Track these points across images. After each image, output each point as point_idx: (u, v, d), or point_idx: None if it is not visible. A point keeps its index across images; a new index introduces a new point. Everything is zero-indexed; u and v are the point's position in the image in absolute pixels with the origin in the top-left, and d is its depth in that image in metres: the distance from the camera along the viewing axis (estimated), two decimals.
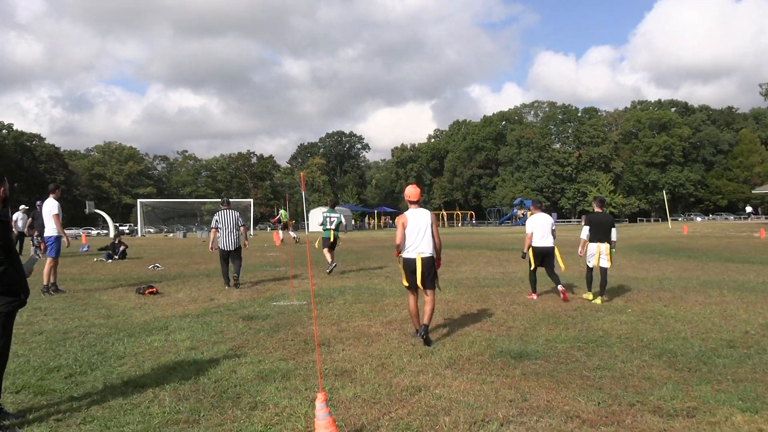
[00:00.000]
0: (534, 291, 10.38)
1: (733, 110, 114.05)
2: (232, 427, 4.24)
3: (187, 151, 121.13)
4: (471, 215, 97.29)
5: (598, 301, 9.74)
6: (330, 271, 14.27)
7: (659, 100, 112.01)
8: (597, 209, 10.38)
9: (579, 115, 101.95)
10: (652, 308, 9.12)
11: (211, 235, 12.42)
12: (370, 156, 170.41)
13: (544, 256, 10.47)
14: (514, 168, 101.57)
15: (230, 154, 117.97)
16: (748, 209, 76.11)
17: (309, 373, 5.53)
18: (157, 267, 16.29)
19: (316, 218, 62.53)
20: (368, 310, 9.13)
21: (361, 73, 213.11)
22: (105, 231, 66.56)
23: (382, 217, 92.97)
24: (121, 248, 19.32)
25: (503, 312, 8.88)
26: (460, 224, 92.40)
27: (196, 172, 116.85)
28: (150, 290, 10.93)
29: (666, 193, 55.26)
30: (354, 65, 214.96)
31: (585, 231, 10.27)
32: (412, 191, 7.15)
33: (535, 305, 9.46)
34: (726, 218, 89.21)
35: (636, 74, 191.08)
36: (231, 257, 12.09)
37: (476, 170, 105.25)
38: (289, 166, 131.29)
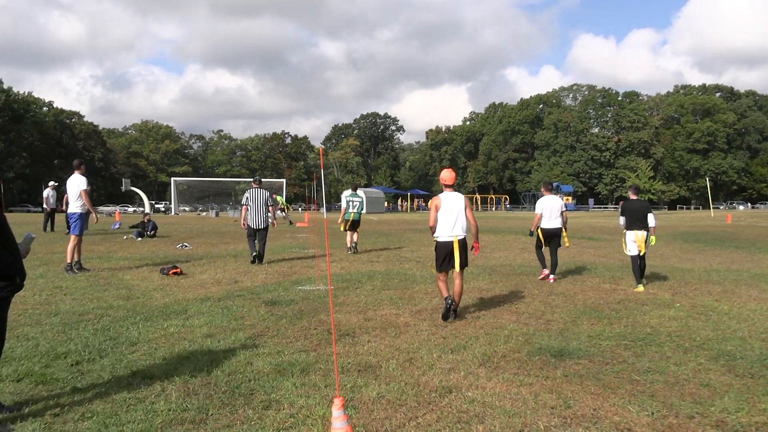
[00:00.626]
0: (544, 266, 10.79)
1: None
2: (241, 429, 3.83)
3: (222, 131, 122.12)
4: (505, 199, 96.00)
5: (641, 288, 9.61)
6: (353, 251, 14.89)
7: (703, 85, 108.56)
8: (632, 196, 10.35)
9: (619, 99, 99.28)
10: (702, 303, 8.46)
11: (243, 211, 12.74)
12: (405, 138, 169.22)
13: (551, 237, 10.84)
14: (550, 152, 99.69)
15: (265, 134, 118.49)
16: None
17: (330, 368, 5.09)
18: (186, 246, 16.08)
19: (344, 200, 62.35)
20: (397, 297, 8.67)
21: (397, 55, 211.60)
22: (141, 209, 67.33)
23: (415, 200, 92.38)
24: (151, 226, 19.18)
25: (541, 303, 8.33)
26: (494, 208, 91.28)
27: (231, 152, 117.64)
28: (174, 271, 10.64)
29: (708, 180, 53.22)
30: (390, 47, 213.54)
31: (622, 220, 10.27)
32: (447, 175, 7.39)
33: (575, 297, 8.88)
34: None
35: (678, 58, 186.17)
36: (258, 235, 12.50)
37: (512, 154, 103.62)
38: (323, 146, 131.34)
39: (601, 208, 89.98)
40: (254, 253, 12.36)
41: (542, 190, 11.47)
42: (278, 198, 29.78)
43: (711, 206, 51.00)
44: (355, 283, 9.94)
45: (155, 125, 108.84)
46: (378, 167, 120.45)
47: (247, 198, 12.52)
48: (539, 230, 10.90)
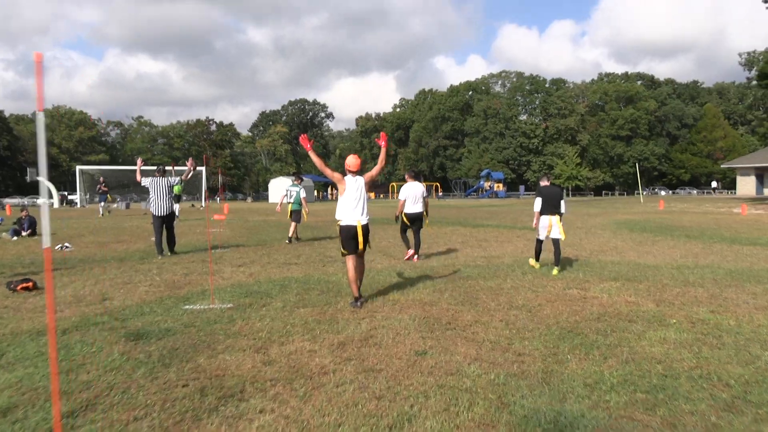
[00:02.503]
0: (408, 248, 11.74)
1: (698, 84, 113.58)
2: None
3: (142, 117, 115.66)
4: (437, 187, 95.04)
5: (555, 271, 9.89)
6: (290, 242, 14.80)
7: (626, 73, 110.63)
8: (544, 183, 10.65)
9: (546, 86, 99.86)
10: (699, 316, 6.69)
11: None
12: (335, 126, 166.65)
13: (414, 221, 11.90)
14: (480, 139, 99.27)
15: (188, 120, 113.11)
16: (714, 184, 75.42)
17: None
18: (66, 248, 13.37)
19: (276, 188, 59.03)
20: (314, 319, 6.50)
21: (325, 43, 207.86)
22: (51, 200, 62.26)
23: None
24: (28, 223, 16.23)
25: (502, 323, 6.35)
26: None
27: (152, 140, 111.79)
28: (24, 285, 8.09)
29: (637, 167, 53.29)
30: (318, 34, 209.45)
31: (537, 203, 10.42)
32: (352, 161, 7.74)
33: (541, 311, 6.96)
34: (689, 192, 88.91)
35: (597, 49, 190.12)
36: (165, 225, 12.51)
37: (442, 141, 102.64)
38: (250, 134, 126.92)
39: (531, 194, 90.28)
40: (162, 250, 12.25)
41: (406, 177, 12.33)
42: (176, 187, 25.76)
43: (641, 193, 50.91)
44: (262, 297, 7.70)
45: (68, 111, 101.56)
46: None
47: (145, 185, 12.64)
48: (403, 215, 11.83)
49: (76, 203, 56.34)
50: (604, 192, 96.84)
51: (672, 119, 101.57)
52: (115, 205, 40.84)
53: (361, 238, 7.32)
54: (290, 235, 15.03)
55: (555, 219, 10.21)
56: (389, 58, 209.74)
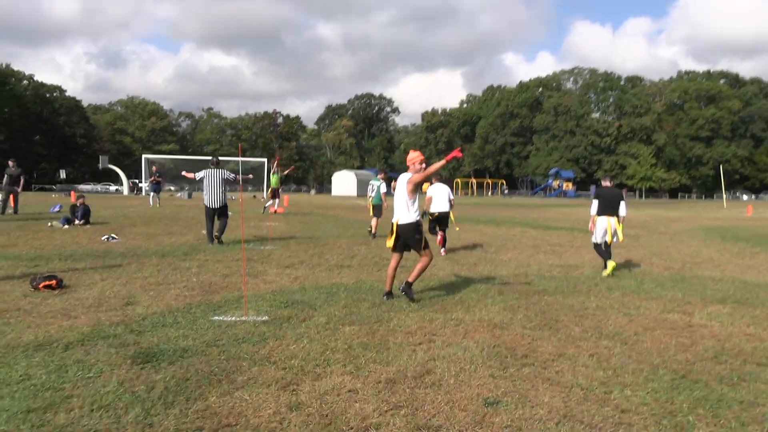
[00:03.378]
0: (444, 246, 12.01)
1: None
2: None
3: (212, 109, 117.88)
4: (502, 184, 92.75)
5: (611, 267, 9.66)
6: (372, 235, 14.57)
7: (708, 71, 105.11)
8: (605, 183, 10.38)
9: (621, 83, 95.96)
10: None
11: (187, 175, 12.72)
12: (400, 121, 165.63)
13: (440, 220, 12.23)
14: (549, 137, 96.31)
15: (255, 113, 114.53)
16: None
17: None
18: (113, 238, 12.72)
19: (339, 181, 58.68)
20: (361, 342, 5.39)
21: (392, 38, 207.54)
22: (119, 188, 63.82)
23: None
24: (82, 212, 15.81)
25: (593, 360, 5.07)
26: (490, 193, 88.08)
27: (221, 131, 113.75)
28: (47, 283, 7.31)
29: (722, 170, 49.68)
30: (386, 30, 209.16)
31: (594, 205, 10.08)
32: (408, 157, 7.41)
33: (640, 343, 5.62)
34: None
35: (673, 47, 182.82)
36: (217, 214, 12.40)
37: (509, 138, 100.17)
38: (315, 127, 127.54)
39: None
40: (213, 239, 12.20)
41: (433, 180, 12.28)
42: (273, 177, 24.47)
43: (724, 197, 47.59)
44: (304, 308, 6.65)
45: (141, 101, 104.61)
46: (372, 149, 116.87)
47: (201, 178, 12.37)
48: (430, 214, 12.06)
49: (139, 191, 57.44)
50: (680, 195, 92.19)
51: (757, 120, 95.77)
52: (178, 194, 41.02)
53: (391, 237, 7.29)
54: (373, 231, 14.72)
55: (614, 221, 9.86)
56: (457, 54, 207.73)
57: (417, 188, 7.17)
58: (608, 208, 9.88)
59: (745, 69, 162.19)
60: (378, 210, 15.06)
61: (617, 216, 9.88)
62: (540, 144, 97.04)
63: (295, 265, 9.91)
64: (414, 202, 7.18)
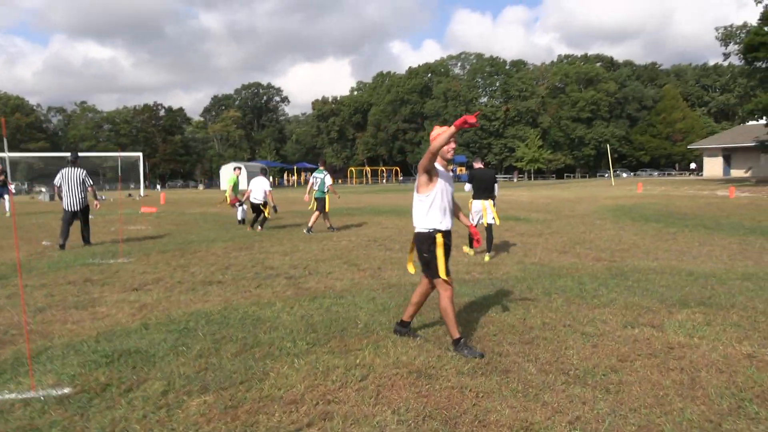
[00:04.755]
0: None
1: (656, 66, 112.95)
2: None
3: (86, 102, 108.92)
4: (396, 171, 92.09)
5: (487, 258, 9.37)
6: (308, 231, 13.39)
7: (585, 55, 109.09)
8: (477, 165, 10.14)
9: (507, 67, 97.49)
10: None
11: (55, 190, 11.93)
12: (290, 110, 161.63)
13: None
14: (440, 122, 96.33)
15: (135, 105, 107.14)
16: (693, 165, 72.50)
17: None
18: None
19: (226, 175, 55.14)
20: (212, 430, 3.30)
21: (278, 27, 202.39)
22: None
23: (302, 174, 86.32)
24: None
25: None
26: (384, 181, 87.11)
27: (97, 126, 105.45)
28: None
29: (609, 149, 50.73)
30: (271, 19, 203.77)
31: (468, 188, 9.88)
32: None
33: (622, 385, 3.88)
34: (651, 174, 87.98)
35: (548, 34, 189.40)
36: (80, 218, 11.58)
37: (401, 124, 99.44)
38: (202, 119, 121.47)
39: (503, 178, 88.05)
40: (66, 239, 11.20)
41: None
42: (230, 180, 17.14)
43: (611, 175, 48.63)
44: (135, 365, 4.41)
45: (3, 95, 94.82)
46: (262, 140, 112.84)
47: (59, 178, 11.42)
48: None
49: None
50: (565, 175, 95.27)
51: (631, 101, 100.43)
52: (39, 197, 36.49)
53: (411, 253, 5.30)
54: (310, 225, 13.51)
55: (488, 203, 9.67)
56: (344, 43, 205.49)
57: (429, 178, 4.78)
58: (483, 190, 9.67)
59: (617, 53, 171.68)
60: (321, 204, 13.81)
61: (492, 198, 9.70)
62: (431, 129, 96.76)
63: (148, 285, 7.55)
64: (428, 198, 4.79)
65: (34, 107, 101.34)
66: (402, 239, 12.12)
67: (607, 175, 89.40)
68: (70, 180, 11.35)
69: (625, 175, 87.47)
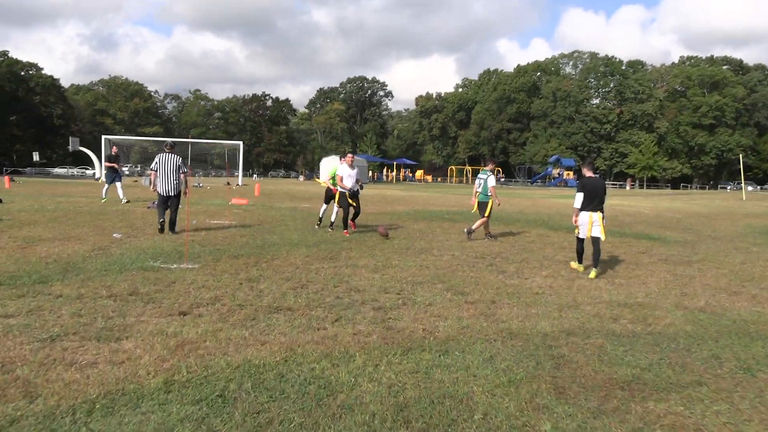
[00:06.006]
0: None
1: None
2: None
3: (200, 90, 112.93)
4: (498, 171, 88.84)
5: (593, 274, 8.51)
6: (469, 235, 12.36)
7: (711, 56, 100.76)
8: (588, 173, 9.12)
9: (623, 68, 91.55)
10: None
11: (152, 177, 11.88)
12: (393, 106, 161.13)
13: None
14: (547, 123, 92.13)
15: (244, 95, 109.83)
16: None
17: None
18: None
19: (326, 168, 54.78)
20: None
21: (386, 24, 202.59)
22: (93, 171, 59.45)
23: (401, 170, 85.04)
24: None
25: None
26: None
27: (208, 113, 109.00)
28: None
29: (742, 158, 45.37)
30: (379, 15, 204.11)
31: (578, 198, 8.87)
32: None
33: None
34: None
35: (665, 36, 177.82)
36: (170, 203, 11.56)
37: (506, 124, 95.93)
38: (307, 111, 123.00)
39: (612, 184, 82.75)
40: (161, 220, 11.45)
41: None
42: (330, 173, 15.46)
43: (744, 188, 43.61)
44: None
45: (124, 81, 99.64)
46: (364, 134, 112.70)
47: (156, 163, 11.62)
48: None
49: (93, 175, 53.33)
50: (681, 185, 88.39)
51: (761, 108, 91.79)
52: (144, 181, 36.90)
53: None
54: (473, 227, 12.36)
55: (597, 216, 8.81)
56: (450, 40, 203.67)
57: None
58: (593, 201, 8.81)
59: (743, 57, 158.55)
60: (483, 208, 12.33)
61: (601, 210, 8.86)
62: (538, 130, 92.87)
63: (201, 306, 5.97)
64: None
65: (152, 93, 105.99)
66: (516, 258, 10.03)
67: (730, 187, 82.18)
68: (165, 165, 11.48)
69: (750, 188, 79.94)
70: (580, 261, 9.10)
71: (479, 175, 12.81)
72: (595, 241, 8.80)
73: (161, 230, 11.38)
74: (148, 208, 16.96)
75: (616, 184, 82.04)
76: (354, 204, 12.58)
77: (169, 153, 11.66)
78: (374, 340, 5.10)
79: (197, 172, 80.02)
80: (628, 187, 76.36)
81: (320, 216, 13.65)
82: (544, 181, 79.36)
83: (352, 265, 8.68)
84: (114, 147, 22.90)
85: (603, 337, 5.42)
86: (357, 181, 12.72)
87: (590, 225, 8.81)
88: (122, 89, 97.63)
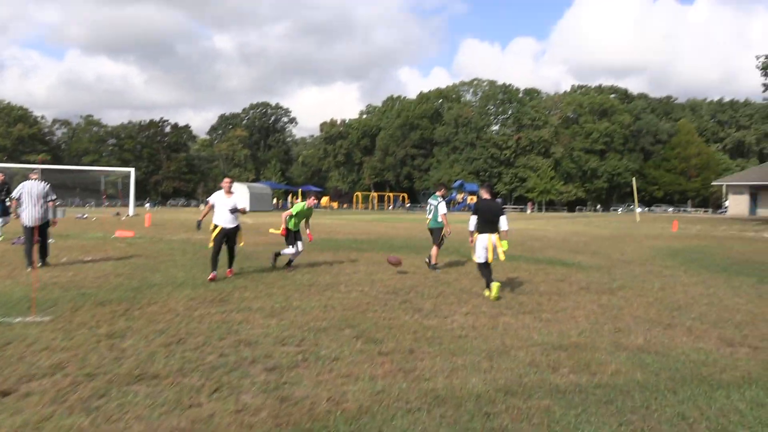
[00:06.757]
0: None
1: (672, 100, 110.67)
2: None
3: (92, 116, 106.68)
4: (404, 198, 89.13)
5: (489, 293, 8.47)
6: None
7: (599, 86, 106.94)
8: (485, 195, 9.10)
9: (520, 96, 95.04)
10: None
11: (13, 204, 11.36)
12: (297, 133, 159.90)
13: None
14: (450, 149, 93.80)
15: (140, 121, 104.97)
16: (727, 203, 66.84)
17: None
18: None
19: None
20: None
21: (288, 51, 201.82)
22: None
23: (308, 197, 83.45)
24: None
25: None
26: (391, 206, 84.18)
27: (101, 140, 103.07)
28: None
29: (633, 181, 47.30)
30: (282, 42, 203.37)
31: (472, 221, 8.87)
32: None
33: None
34: (665, 210, 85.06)
35: (556, 66, 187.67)
36: (38, 234, 10.40)
37: (410, 150, 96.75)
38: (208, 137, 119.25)
39: (514, 208, 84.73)
40: (32, 261, 9.94)
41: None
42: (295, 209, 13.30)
43: (637, 210, 45.50)
44: None
45: (6, 106, 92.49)
46: (268, 161, 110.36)
47: (19, 191, 10.76)
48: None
49: None
50: (577, 207, 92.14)
51: (646, 134, 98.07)
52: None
53: None
54: (433, 261, 11.82)
55: (495, 237, 8.82)
56: (353, 67, 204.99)
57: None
58: (488, 223, 8.83)
59: (627, 86, 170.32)
60: (436, 235, 11.99)
61: (498, 232, 8.85)
62: (441, 156, 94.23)
63: (32, 381, 4.50)
64: None
65: (38, 118, 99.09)
66: (432, 292, 9.06)
67: (621, 209, 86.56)
68: (30, 193, 10.78)
69: (639, 210, 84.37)
70: (488, 285, 8.73)
71: (429, 201, 12.47)
72: (487, 264, 8.82)
73: (29, 264, 10.14)
74: (13, 243, 14.84)
75: (517, 208, 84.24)
76: (229, 245, 10.17)
77: (35, 180, 10.99)
78: (263, 419, 3.87)
79: (89, 202, 75.06)
80: (528, 211, 78.53)
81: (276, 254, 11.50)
82: (449, 206, 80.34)
83: (245, 309, 7.37)
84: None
85: (547, 396, 4.45)
86: (236, 210, 10.01)
87: (490, 248, 8.75)
88: (4, 114, 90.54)
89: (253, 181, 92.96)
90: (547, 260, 13.97)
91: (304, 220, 11.57)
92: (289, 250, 11.12)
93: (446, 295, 8.87)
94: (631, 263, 13.87)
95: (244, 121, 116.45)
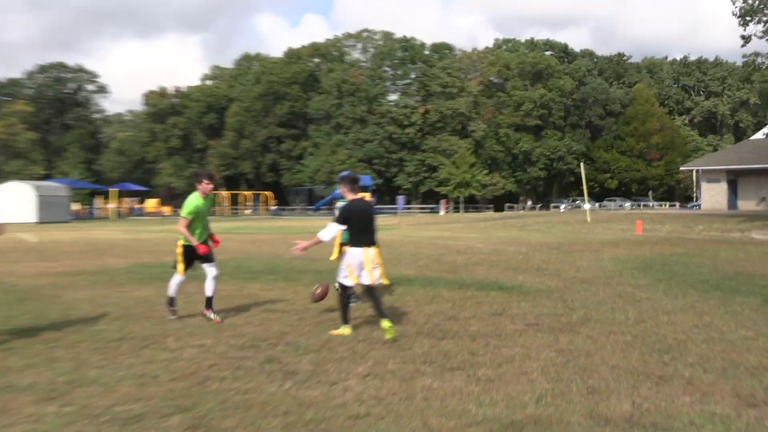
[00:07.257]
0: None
1: (624, 59, 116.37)
2: None
3: None
4: (266, 198, 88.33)
5: (390, 332, 8.41)
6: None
7: (531, 40, 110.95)
8: (350, 195, 9.18)
9: (426, 53, 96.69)
10: None
11: None
12: (110, 107, 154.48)
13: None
14: (331, 128, 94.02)
15: None
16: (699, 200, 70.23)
17: None
18: None
19: (7, 200, 48.82)
20: None
21: None
22: None
23: (125, 199, 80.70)
24: None
25: None
26: (249, 211, 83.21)
27: None
28: None
29: (583, 168, 49.05)
30: None
31: (333, 229, 8.99)
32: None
33: None
34: (621, 205, 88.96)
35: (472, 14, 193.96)
36: None
37: (275, 129, 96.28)
38: None
39: (422, 208, 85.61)
40: None
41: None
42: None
43: (587, 208, 47.09)
44: None
45: None
46: (64, 148, 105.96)
47: None
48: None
49: None
50: (507, 205, 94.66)
51: (593, 104, 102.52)
52: None
53: None
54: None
55: (372, 252, 9.00)
56: (192, 13, 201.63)
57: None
58: (363, 232, 9.03)
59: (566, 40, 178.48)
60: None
61: (376, 244, 9.18)
62: (319, 138, 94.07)
63: None
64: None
65: None
66: (311, 342, 8.41)
67: (564, 205, 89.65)
68: None
69: (587, 205, 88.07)
70: (347, 320, 9.00)
71: (338, 204, 11.66)
72: (372, 289, 8.90)
73: None
74: None
75: (426, 208, 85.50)
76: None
77: None
78: None
79: None
80: (442, 212, 79.85)
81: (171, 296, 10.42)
82: (331, 208, 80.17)
83: (5, 389, 6.36)
84: None
85: None
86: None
87: (368, 266, 8.82)
88: None
89: (43, 178, 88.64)
90: (476, 283, 13.83)
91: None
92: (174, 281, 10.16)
93: (333, 346, 8.22)
94: (591, 283, 13.95)
95: (29, 91, 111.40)
